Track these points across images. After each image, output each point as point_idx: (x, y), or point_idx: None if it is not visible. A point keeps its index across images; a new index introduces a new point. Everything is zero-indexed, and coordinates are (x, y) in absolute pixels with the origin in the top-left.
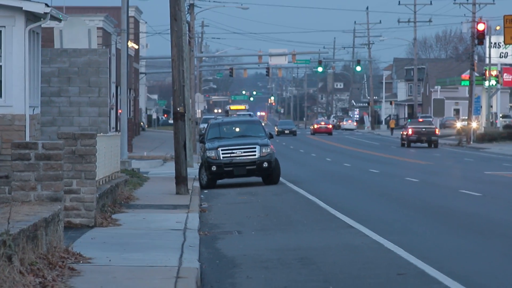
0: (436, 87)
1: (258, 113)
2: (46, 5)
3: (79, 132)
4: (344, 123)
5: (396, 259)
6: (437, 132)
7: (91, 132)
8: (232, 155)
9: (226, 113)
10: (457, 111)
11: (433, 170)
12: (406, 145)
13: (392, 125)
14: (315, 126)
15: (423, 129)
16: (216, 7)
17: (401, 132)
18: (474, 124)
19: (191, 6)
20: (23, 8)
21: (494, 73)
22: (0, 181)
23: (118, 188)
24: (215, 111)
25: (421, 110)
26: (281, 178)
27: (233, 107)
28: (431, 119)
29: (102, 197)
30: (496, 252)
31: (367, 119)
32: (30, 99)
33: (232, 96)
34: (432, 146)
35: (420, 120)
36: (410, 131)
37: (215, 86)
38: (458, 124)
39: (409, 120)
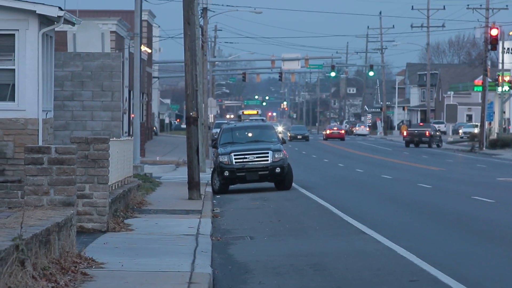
0: (449, 92)
1: (269, 114)
2: (60, 8)
3: (92, 137)
4: (357, 128)
5: (409, 265)
6: (427, 134)
7: (104, 137)
8: (244, 160)
9: (239, 118)
10: (469, 117)
11: (446, 176)
12: (405, 145)
13: (405, 130)
14: (328, 131)
15: (415, 132)
16: (230, 11)
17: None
18: (477, 130)
19: (205, 10)
20: (36, 12)
21: (507, 78)
22: (13, 186)
23: (131, 193)
24: (227, 116)
25: (434, 116)
26: (293, 184)
27: (246, 112)
28: (430, 123)
29: (114, 202)
30: (509, 259)
31: (379, 125)
32: (43, 103)
33: (244, 100)
34: (427, 146)
35: (421, 124)
36: (405, 133)
37: (228, 91)
38: (460, 131)
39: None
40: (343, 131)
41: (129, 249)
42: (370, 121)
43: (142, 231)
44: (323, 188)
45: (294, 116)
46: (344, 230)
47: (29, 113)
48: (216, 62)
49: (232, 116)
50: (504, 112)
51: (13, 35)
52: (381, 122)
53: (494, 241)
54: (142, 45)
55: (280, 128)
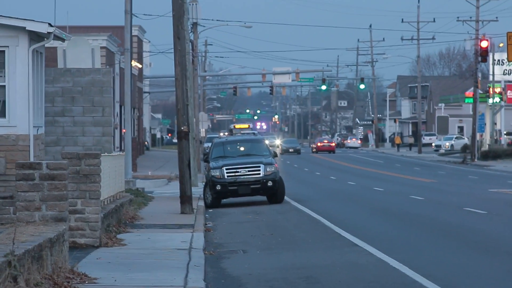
0: (440, 104)
1: (258, 124)
2: (50, 24)
3: (83, 152)
4: (348, 141)
5: (401, 277)
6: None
7: (95, 152)
8: (236, 174)
9: (231, 132)
10: (461, 129)
11: (438, 188)
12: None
13: (398, 141)
14: (318, 144)
15: None
16: (220, 26)
17: None
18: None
19: (195, 25)
20: (26, 28)
21: (498, 90)
22: (4, 202)
23: (123, 208)
24: (221, 134)
25: (425, 128)
26: (285, 197)
27: (237, 126)
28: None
29: (107, 217)
30: (500, 270)
31: (371, 137)
32: (34, 119)
33: (236, 114)
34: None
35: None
36: None
37: (219, 105)
38: (433, 144)
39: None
40: (333, 144)
41: (122, 264)
42: (362, 133)
43: (135, 245)
44: (316, 201)
45: (286, 130)
46: (337, 243)
47: (20, 129)
48: (207, 77)
49: (226, 133)
50: (495, 124)
51: (3, 51)
52: (372, 134)
53: (486, 252)
54: (133, 60)
55: (277, 142)
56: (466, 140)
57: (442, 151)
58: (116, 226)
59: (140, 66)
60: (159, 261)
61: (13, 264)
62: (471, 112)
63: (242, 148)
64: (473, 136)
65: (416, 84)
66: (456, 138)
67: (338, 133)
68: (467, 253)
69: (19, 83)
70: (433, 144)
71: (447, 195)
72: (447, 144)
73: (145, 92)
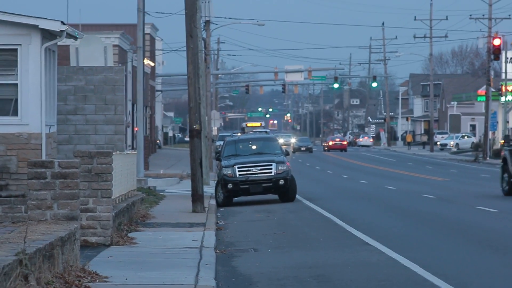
0: (452, 102)
1: (271, 122)
2: (62, 23)
3: (95, 151)
4: (361, 139)
5: (413, 276)
6: None
7: (107, 150)
8: (248, 172)
9: (243, 130)
10: (473, 127)
11: (450, 186)
12: None
13: (409, 140)
14: (330, 142)
15: None
16: (232, 24)
17: None
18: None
19: (207, 23)
20: (39, 26)
21: (510, 88)
22: (16, 200)
23: (135, 207)
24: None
25: (437, 126)
26: (297, 195)
27: (249, 124)
28: None
29: (118, 215)
30: None
31: (383, 136)
32: (46, 117)
33: (248, 113)
34: None
35: None
36: None
37: (231, 103)
38: (438, 142)
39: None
40: (345, 142)
41: (133, 263)
42: (374, 132)
43: (146, 244)
44: (327, 200)
45: (298, 128)
46: (348, 241)
47: (32, 128)
48: (219, 75)
49: (238, 134)
50: (508, 122)
51: (16, 49)
52: (384, 133)
53: (498, 251)
54: (145, 59)
55: (293, 140)
56: (473, 139)
57: (454, 149)
58: (128, 225)
59: (152, 64)
60: (170, 260)
61: (24, 262)
62: (483, 110)
63: (254, 147)
64: (486, 135)
65: (429, 82)
66: (462, 136)
67: (350, 132)
68: (479, 252)
69: (31, 81)
70: (439, 143)
71: (458, 194)
72: (452, 142)
73: (158, 91)
